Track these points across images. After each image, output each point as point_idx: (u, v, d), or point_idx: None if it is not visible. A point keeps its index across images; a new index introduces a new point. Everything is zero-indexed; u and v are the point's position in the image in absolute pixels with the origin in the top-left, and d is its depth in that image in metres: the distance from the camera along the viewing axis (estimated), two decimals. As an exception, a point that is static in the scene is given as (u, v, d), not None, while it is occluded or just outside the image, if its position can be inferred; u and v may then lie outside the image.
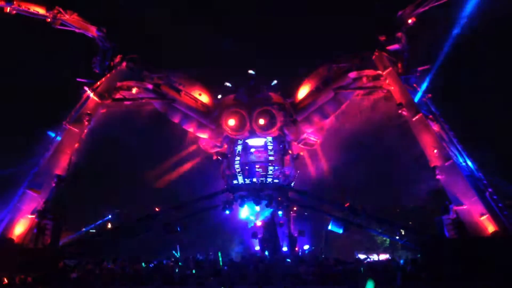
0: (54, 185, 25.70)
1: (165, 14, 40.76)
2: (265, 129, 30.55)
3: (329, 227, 28.38)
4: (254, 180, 31.19)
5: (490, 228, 22.74)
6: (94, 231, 37.50)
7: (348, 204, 28.12)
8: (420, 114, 25.55)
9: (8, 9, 26.86)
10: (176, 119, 30.88)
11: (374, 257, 39.12)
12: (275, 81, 32.33)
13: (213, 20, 44.97)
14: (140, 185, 36.43)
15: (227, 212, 30.80)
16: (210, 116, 31.38)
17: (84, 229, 37.07)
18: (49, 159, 26.24)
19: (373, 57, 28.12)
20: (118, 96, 29.37)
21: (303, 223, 34.86)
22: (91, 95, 27.82)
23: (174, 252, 33.76)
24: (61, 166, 26.27)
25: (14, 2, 26.78)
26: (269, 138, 31.73)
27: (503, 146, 32.22)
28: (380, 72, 27.87)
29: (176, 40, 40.17)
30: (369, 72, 28.38)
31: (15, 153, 29.44)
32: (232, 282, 21.84)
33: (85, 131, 27.53)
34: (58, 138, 26.94)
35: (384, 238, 38.04)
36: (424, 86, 26.83)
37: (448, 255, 22.52)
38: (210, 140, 32.58)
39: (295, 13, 45.85)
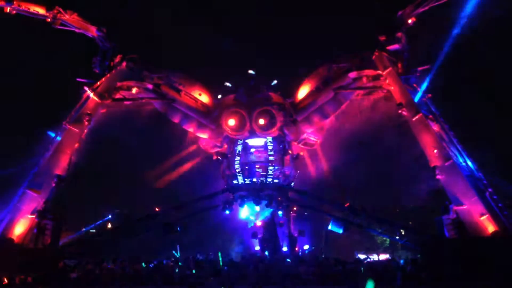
0: (54, 185, 25.73)
1: (165, 14, 40.76)
2: (265, 129, 30.56)
3: (329, 227, 28.40)
4: (254, 180, 31.22)
5: (490, 228, 22.75)
6: (94, 231, 37.35)
7: (348, 204, 28.13)
8: (420, 114, 25.56)
9: (8, 9, 26.89)
10: (176, 119, 30.91)
11: (374, 257, 39.04)
12: (275, 81, 32.38)
13: (213, 20, 44.99)
14: (140, 185, 36.41)
15: (227, 212, 30.85)
16: (210, 116, 31.40)
17: (84, 229, 36.94)
18: (49, 159, 26.26)
19: (373, 57, 28.16)
20: (118, 96, 29.41)
21: (303, 223, 34.86)
22: (91, 95, 27.85)
23: (174, 252, 33.65)
24: (61, 166, 26.30)
25: (14, 2, 26.80)
26: (269, 138, 31.75)
27: (503, 146, 32.17)
28: (380, 72, 27.89)
29: (176, 40, 40.18)
30: (369, 72, 28.41)
31: (15, 153, 29.46)
32: (232, 282, 21.81)
33: (85, 131, 27.56)
34: (58, 138, 26.97)
35: (384, 238, 37.99)
36: (424, 86, 26.85)
37: (448, 255, 22.51)
38: (210, 140, 32.61)
39: (295, 13, 45.84)
